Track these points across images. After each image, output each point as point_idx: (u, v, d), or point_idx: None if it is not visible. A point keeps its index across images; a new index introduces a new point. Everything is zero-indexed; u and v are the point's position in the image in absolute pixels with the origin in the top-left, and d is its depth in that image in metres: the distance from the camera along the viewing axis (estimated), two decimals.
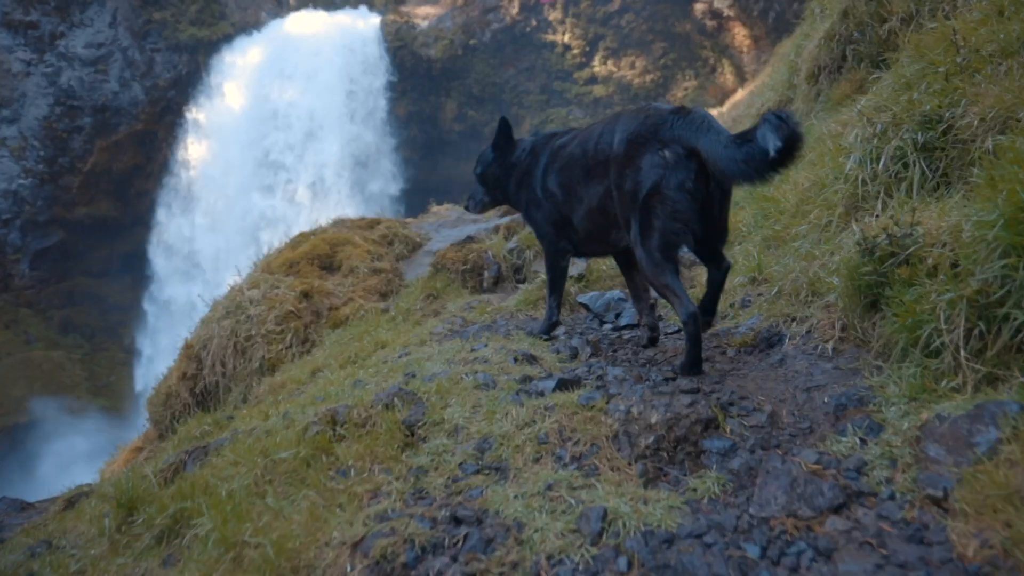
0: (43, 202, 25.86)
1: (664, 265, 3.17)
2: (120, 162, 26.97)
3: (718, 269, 3.48)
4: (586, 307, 4.90)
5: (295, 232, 9.98)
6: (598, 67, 27.69)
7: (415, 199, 27.34)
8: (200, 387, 8.00)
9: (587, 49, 27.63)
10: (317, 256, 9.03)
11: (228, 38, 27.16)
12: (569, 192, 3.83)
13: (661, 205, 3.11)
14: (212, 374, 7.91)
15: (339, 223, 10.38)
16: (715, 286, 3.51)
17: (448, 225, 11.09)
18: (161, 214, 25.77)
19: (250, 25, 27.94)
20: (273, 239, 10.40)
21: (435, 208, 13.21)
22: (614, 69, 27.58)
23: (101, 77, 26.65)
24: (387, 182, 26.76)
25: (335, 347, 6.35)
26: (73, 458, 19.59)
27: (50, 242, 26.09)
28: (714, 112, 19.95)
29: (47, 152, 25.96)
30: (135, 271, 25.81)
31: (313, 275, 8.64)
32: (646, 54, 27.29)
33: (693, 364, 3.19)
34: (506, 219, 9.11)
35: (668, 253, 3.17)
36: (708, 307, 3.53)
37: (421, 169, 28.04)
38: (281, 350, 7.49)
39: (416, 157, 27.88)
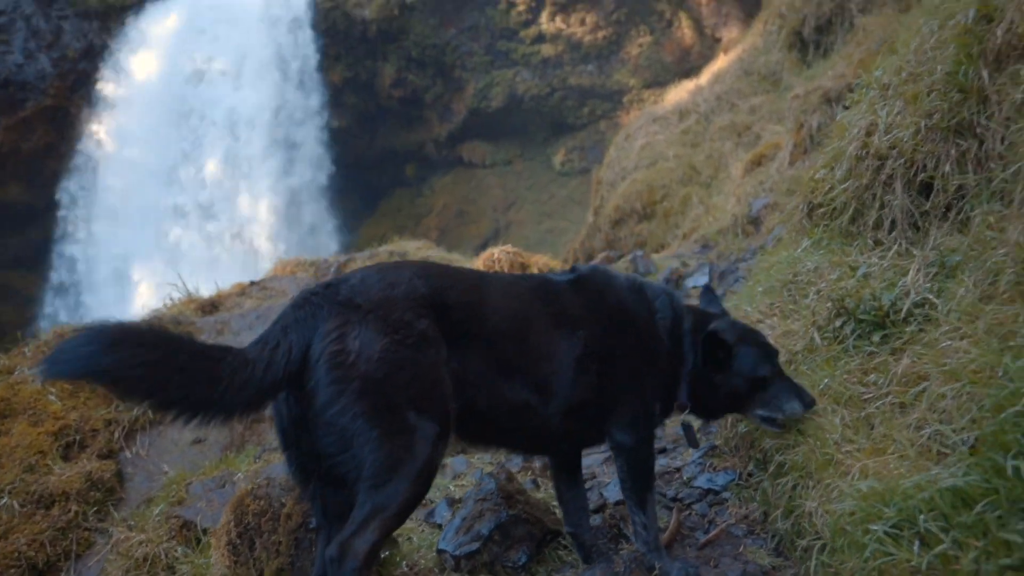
0: None
1: None
2: (29, 142, 24.85)
3: None
4: None
5: None
6: (546, 24, 25.25)
7: (351, 173, 25.29)
8: None
9: (533, 5, 25.17)
10: None
11: (140, 2, 24.82)
12: None
13: None
14: None
15: None
16: None
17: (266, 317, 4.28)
18: (67, 199, 23.74)
19: None
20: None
21: (279, 267, 7.68)
22: (563, 26, 25.14)
23: (3, 48, 24.42)
24: (316, 158, 24.59)
25: None
26: None
27: None
28: (691, 85, 17.61)
29: None
30: (46, 262, 23.90)
31: None
32: (597, 9, 24.81)
33: None
34: None
35: None
36: None
37: (358, 140, 25.90)
38: None
39: (352, 126, 25.68)
